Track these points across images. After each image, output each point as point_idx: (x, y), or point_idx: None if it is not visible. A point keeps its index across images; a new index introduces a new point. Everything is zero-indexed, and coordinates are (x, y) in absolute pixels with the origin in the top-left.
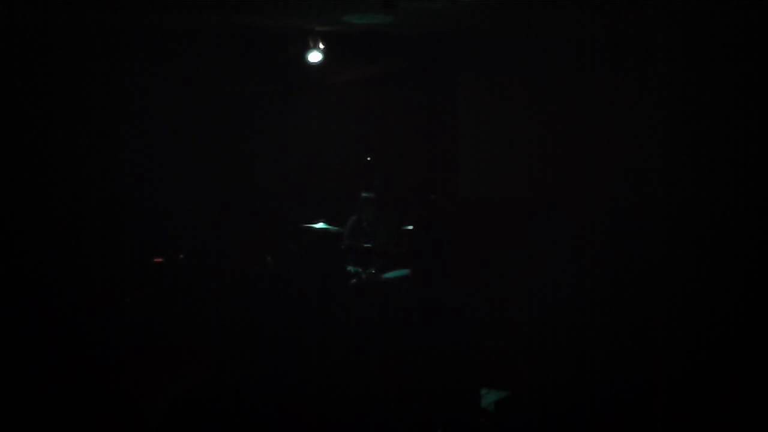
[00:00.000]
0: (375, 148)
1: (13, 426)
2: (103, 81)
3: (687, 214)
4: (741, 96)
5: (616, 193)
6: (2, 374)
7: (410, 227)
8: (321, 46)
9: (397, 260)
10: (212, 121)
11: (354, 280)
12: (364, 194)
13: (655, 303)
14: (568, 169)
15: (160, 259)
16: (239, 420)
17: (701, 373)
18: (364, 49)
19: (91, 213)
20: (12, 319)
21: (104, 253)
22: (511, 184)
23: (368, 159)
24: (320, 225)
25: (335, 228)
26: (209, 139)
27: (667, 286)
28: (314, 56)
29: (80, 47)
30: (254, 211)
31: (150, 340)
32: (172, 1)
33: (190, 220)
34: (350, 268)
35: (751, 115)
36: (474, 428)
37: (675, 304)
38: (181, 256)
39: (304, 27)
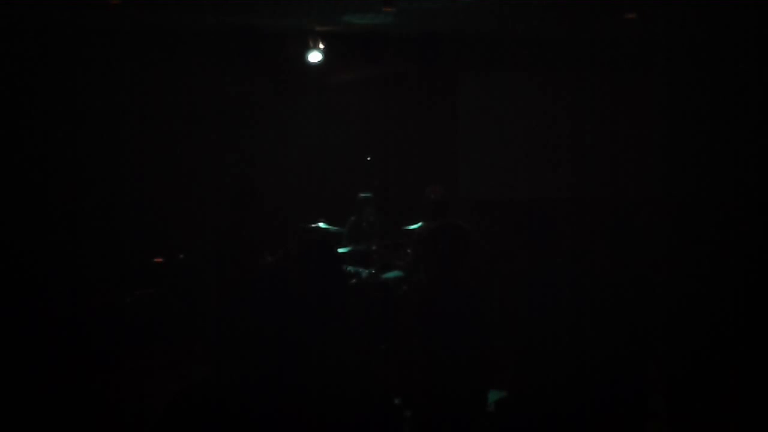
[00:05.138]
0: (375, 148)
1: (13, 426)
2: (103, 81)
3: (687, 214)
4: (741, 96)
5: (616, 193)
6: (2, 374)
7: (411, 227)
8: (321, 46)
9: (397, 260)
10: (212, 121)
11: (354, 280)
12: (363, 194)
13: (655, 303)
14: (568, 169)
15: (160, 259)
16: (239, 420)
17: (701, 373)
18: (364, 49)
19: (91, 213)
20: (12, 319)
21: (104, 253)
22: (511, 184)
23: (368, 159)
24: (320, 225)
25: (335, 228)
26: (209, 138)
27: (667, 286)
28: (314, 56)
29: (80, 47)
30: (254, 211)
31: (150, 340)
32: (172, 1)
33: (190, 220)
34: (350, 268)
35: (751, 115)
36: (474, 429)
37: (675, 304)
38: (181, 256)
39: (304, 27)
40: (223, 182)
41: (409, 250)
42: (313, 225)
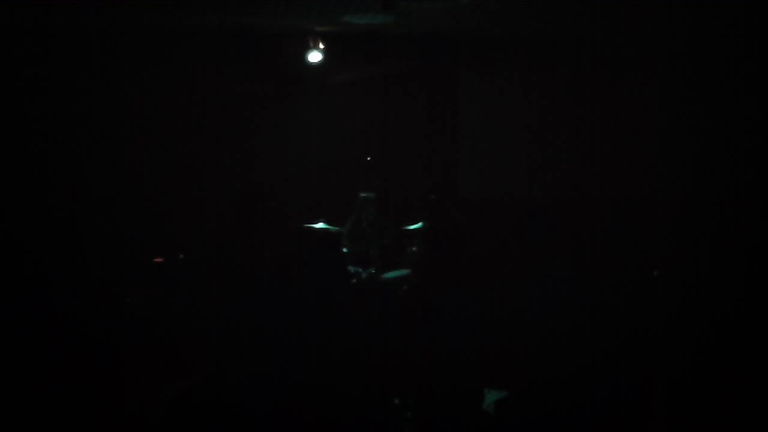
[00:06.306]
0: (375, 148)
1: (13, 426)
2: (103, 81)
3: (687, 214)
4: (741, 96)
5: (616, 193)
6: (2, 374)
7: (411, 227)
8: (321, 46)
9: (398, 260)
10: (212, 121)
11: (354, 280)
12: (363, 194)
13: (655, 303)
14: (567, 169)
15: (160, 259)
16: (239, 420)
17: (701, 373)
18: (364, 49)
19: (90, 213)
20: (12, 319)
21: (104, 253)
22: (511, 184)
23: (368, 159)
24: (320, 225)
25: (335, 228)
26: (209, 139)
27: (667, 286)
28: (314, 56)
29: (80, 47)
30: (254, 211)
31: (150, 340)
32: (172, 1)
33: (191, 220)
34: (350, 268)
35: (751, 114)
36: (474, 428)
37: (675, 304)
38: (181, 256)
39: (304, 27)
40: (223, 182)
41: (410, 249)
42: (313, 225)
